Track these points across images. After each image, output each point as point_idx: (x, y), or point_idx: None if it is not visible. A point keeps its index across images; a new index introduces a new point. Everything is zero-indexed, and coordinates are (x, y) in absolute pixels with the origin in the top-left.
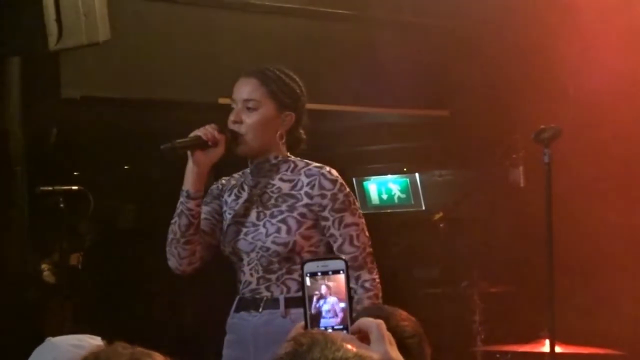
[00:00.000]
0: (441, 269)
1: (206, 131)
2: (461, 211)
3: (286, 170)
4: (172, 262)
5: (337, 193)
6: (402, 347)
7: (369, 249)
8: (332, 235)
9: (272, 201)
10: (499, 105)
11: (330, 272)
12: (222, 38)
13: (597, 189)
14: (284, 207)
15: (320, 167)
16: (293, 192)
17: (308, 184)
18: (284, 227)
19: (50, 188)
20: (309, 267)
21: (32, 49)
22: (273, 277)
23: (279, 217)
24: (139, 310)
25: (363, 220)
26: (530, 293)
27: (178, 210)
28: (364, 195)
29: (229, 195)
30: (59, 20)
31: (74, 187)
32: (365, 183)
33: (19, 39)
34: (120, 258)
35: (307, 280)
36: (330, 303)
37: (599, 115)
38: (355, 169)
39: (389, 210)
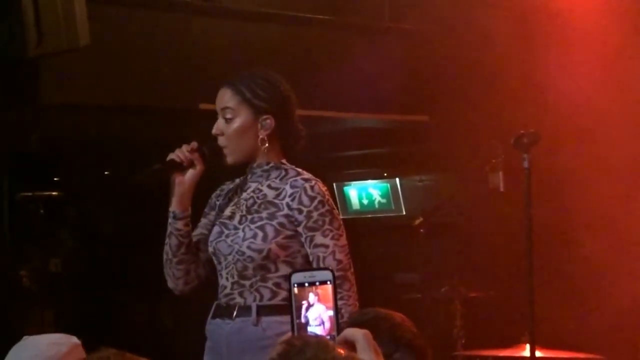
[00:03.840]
0: (421, 274)
1: (179, 153)
2: (441, 216)
3: (276, 178)
4: (170, 283)
5: (312, 211)
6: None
7: (337, 273)
8: (299, 250)
9: (255, 207)
10: (478, 110)
11: (317, 283)
12: (203, 44)
13: (577, 193)
14: (264, 214)
15: (306, 180)
16: (276, 200)
17: (290, 195)
18: (260, 234)
19: (30, 194)
20: (297, 277)
21: (11, 54)
22: (247, 283)
23: (258, 223)
24: (119, 316)
25: (337, 242)
26: (511, 298)
27: (168, 232)
28: (344, 200)
29: (223, 199)
30: (38, 25)
31: (54, 193)
32: (345, 188)
33: None
34: (100, 264)
35: (295, 289)
36: (318, 311)
37: (578, 120)
38: (336, 174)
39: (369, 215)
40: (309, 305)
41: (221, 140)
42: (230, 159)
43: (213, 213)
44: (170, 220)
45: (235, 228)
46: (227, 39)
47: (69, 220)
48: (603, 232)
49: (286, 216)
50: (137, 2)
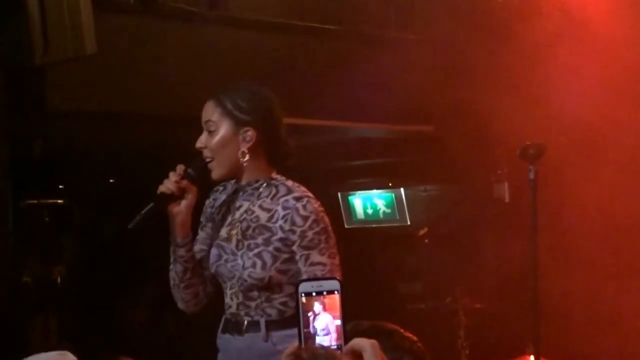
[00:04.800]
0: (425, 284)
1: (168, 184)
2: (446, 226)
3: (267, 196)
4: (180, 305)
5: (307, 230)
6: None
7: None
8: (299, 269)
9: (250, 231)
10: (484, 121)
11: (324, 292)
12: (210, 53)
13: (582, 203)
14: (259, 239)
15: (298, 200)
16: (269, 224)
17: (283, 217)
18: (259, 262)
19: (35, 201)
20: (304, 287)
21: (18, 61)
22: (252, 304)
23: (255, 251)
24: (122, 323)
25: (334, 260)
26: (515, 309)
27: (172, 258)
28: (349, 209)
29: (217, 213)
30: (45, 33)
31: (59, 201)
32: (350, 198)
33: (3, 51)
34: (104, 271)
35: (302, 299)
36: (325, 321)
37: (584, 131)
38: (341, 183)
39: (374, 225)
40: (315, 315)
41: (205, 153)
42: (214, 174)
43: (210, 225)
44: (172, 248)
45: (234, 253)
46: (234, 48)
47: (74, 228)
48: (608, 242)
49: (280, 240)
50: (145, 11)
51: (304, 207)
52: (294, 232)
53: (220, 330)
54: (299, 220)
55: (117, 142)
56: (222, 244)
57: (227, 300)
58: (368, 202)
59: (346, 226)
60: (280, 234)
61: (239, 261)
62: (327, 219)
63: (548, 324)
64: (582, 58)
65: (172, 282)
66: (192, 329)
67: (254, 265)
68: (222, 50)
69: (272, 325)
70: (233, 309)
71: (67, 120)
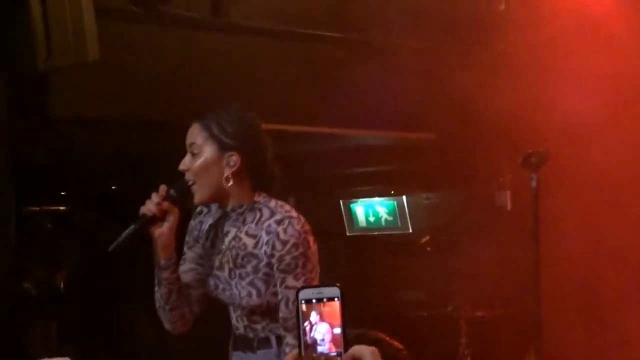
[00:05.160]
0: (428, 292)
1: (150, 206)
2: (448, 234)
3: (252, 222)
4: (167, 326)
5: (285, 255)
6: None
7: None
8: (277, 290)
9: (240, 260)
10: (486, 129)
11: (325, 300)
12: (212, 60)
13: (585, 212)
14: (249, 268)
15: (280, 223)
16: (255, 251)
17: (267, 242)
18: (254, 291)
19: (37, 209)
20: (305, 294)
21: (21, 67)
22: (259, 327)
23: (247, 280)
24: (123, 330)
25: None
26: (517, 317)
27: (156, 280)
28: (351, 217)
29: (205, 239)
30: (48, 38)
31: (62, 208)
32: (352, 205)
33: (6, 56)
34: (105, 278)
35: (302, 307)
36: (323, 331)
37: (586, 139)
38: (343, 191)
39: (376, 233)
40: (314, 324)
41: (188, 176)
42: (197, 198)
43: (199, 246)
44: (156, 270)
45: (228, 283)
46: (236, 55)
47: (76, 235)
48: (611, 249)
49: (267, 265)
50: (148, 18)
51: (285, 230)
52: (274, 256)
53: (231, 347)
54: (278, 245)
55: (119, 148)
56: (217, 273)
57: (234, 322)
58: (370, 210)
59: (348, 234)
60: (265, 260)
61: (235, 291)
62: (310, 241)
63: (549, 330)
64: (584, 61)
65: (157, 305)
66: (194, 334)
67: (249, 294)
68: (224, 57)
69: (283, 341)
70: (241, 331)
71: (69, 127)
